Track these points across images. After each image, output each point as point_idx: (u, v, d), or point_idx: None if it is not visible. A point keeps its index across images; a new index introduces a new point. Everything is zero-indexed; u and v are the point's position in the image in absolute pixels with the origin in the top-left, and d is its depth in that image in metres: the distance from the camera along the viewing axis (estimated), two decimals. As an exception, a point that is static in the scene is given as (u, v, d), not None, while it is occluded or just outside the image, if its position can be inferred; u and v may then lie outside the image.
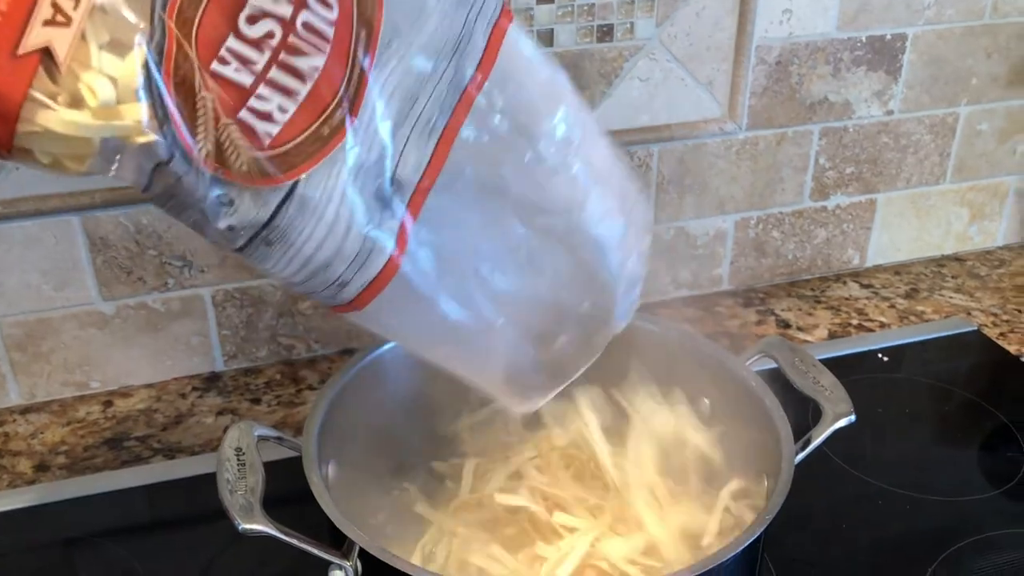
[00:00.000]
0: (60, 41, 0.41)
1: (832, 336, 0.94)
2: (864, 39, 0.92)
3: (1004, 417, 0.83)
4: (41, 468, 0.76)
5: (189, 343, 0.85)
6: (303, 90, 0.46)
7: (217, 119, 0.44)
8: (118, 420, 0.81)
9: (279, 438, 0.59)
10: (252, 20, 0.44)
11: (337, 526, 0.52)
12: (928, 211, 1.04)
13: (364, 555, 0.51)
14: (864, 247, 1.04)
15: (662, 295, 0.98)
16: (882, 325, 0.96)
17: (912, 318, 0.97)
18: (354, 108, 0.47)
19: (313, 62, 0.46)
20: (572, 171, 0.54)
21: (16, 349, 0.81)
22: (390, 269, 0.50)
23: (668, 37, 0.86)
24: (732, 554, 0.50)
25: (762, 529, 0.52)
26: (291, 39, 0.45)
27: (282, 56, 0.45)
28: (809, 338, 0.93)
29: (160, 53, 0.42)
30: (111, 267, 0.80)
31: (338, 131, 0.47)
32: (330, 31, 0.46)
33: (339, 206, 0.47)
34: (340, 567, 0.52)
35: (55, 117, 0.41)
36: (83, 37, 0.41)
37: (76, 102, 0.42)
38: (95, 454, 0.78)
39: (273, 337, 0.87)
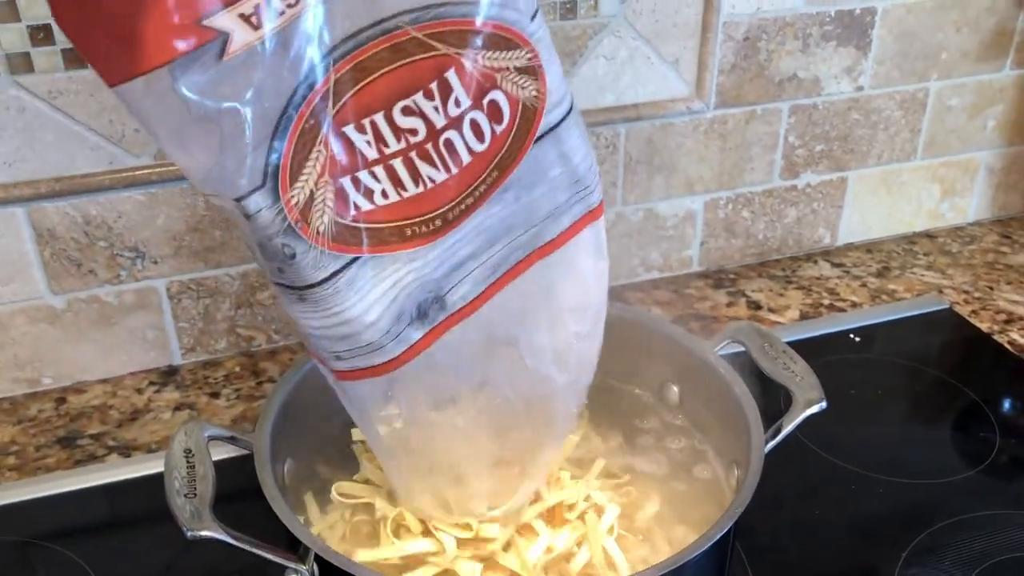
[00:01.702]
0: (240, 36, 0.41)
1: (803, 317, 0.92)
2: (833, 14, 0.91)
3: (977, 396, 0.82)
4: (-10, 470, 0.74)
5: (145, 336, 0.82)
6: (412, 191, 0.47)
7: (321, 174, 0.45)
8: (71, 417, 0.79)
9: (231, 438, 0.57)
10: (407, 112, 0.46)
11: (291, 530, 0.50)
12: (899, 188, 1.03)
13: (321, 558, 0.49)
14: (835, 226, 1.03)
15: (631, 278, 0.96)
16: (853, 305, 0.94)
17: (884, 297, 0.96)
18: (444, 229, 0.49)
19: (435, 174, 0.47)
20: (569, 358, 0.57)
21: (-37, 346, 0.78)
22: (384, 368, 0.51)
23: (633, 14, 0.84)
24: (701, 550, 0.48)
25: (732, 523, 0.50)
26: (428, 145, 0.47)
27: (412, 154, 0.47)
28: (780, 319, 0.92)
29: (305, 94, 0.43)
30: (60, 260, 0.77)
31: (420, 238, 0.48)
32: (467, 159, 0.48)
33: (380, 298, 0.48)
34: (296, 571, 0.50)
35: None
36: (258, 47, 0.41)
37: None
38: (47, 453, 0.75)
39: (232, 328, 0.85)
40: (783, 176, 0.97)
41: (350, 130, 0.45)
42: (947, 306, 0.93)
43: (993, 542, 0.67)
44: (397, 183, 0.47)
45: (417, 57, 0.45)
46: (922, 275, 1.00)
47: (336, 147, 0.45)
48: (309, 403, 0.62)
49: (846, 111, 0.96)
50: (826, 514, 0.70)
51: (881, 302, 0.95)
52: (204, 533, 0.49)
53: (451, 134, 0.47)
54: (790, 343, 0.65)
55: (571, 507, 0.60)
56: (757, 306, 0.94)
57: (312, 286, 0.47)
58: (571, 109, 0.51)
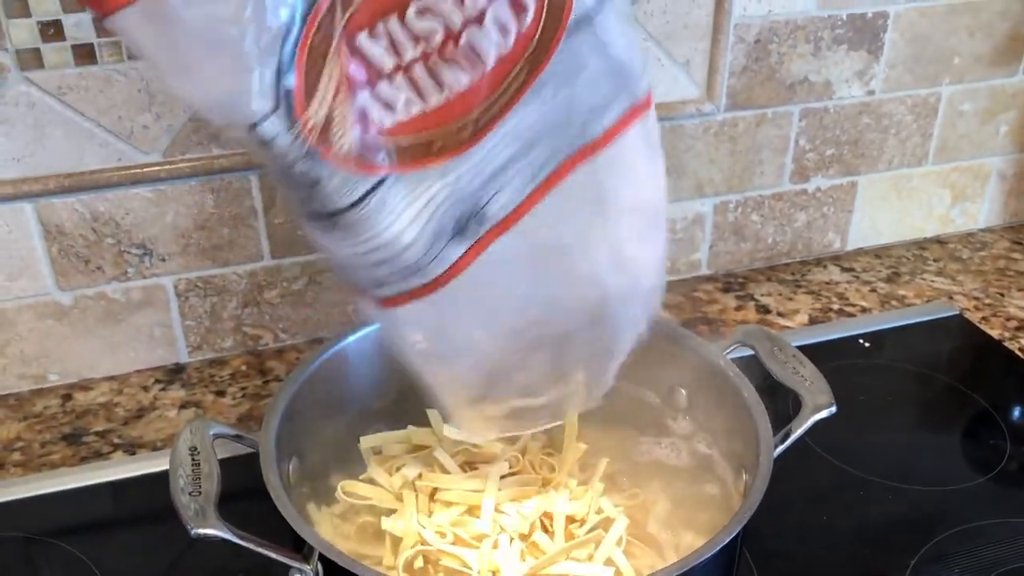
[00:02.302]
0: None
1: (813, 321, 0.92)
2: (845, 17, 0.90)
3: (987, 403, 0.81)
4: (-4, 466, 0.74)
5: (151, 334, 0.82)
6: (437, 98, 0.45)
7: (337, 91, 0.42)
8: (77, 414, 0.79)
9: (237, 436, 0.57)
10: (422, 13, 0.43)
11: (295, 529, 0.49)
12: (910, 193, 1.03)
13: (325, 558, 0.49)
14: (845, 230, 1.02)
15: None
16: (863, 310, 0.94)
17: (893, 302, 0.95)
18: (476, 137, 0.46)
19: (459, 77, 0.45)
20: (626, 262, 0.53)
21: (-31, 342, 0.78)
22: (426, 290, 0.48)
23: (644, 15, 0.84)
24: (708, 555, 0.48)
25: (739, 528, 0.50)
26: (449, 48, 0.44)
27: (433, 59, 0.44)
28: (789, 324, 0.92)
29: (312, 3, 0.40)
30: (67, 256, 0.77)
31: (450, 150, 0.46)
32: (492, 58, 0.45)
33: (415, 218, 0.46)
34: (300, 571, 0.50)
35: None
36: None
37: None
38: (52, 450, 0.75)
39: (239, 327, 0.85)
40: (793, 180, 0.97)
41: (363, 38, 0.42)
42: (957, 312, 0.93)
43: (1003, 550, 0.66)
44: (419, 92, 0.44)
45: None
46: (932, 281, 0.99)
47: (350, 59, 0.42)
48: (315, 402, 0.62)
49: (857, 115, 0.96)
50: (834, 520, 0.69)
51: (891, 307, 0.94)
52: (208, 531, 0.48)
53: (472, 32, 0.44)
54: (799, 348, 0.64)
55: (582, 522, 0.59)
56: (766, 310, 0.94)
57: (342, 211, 0.44)
58: None
